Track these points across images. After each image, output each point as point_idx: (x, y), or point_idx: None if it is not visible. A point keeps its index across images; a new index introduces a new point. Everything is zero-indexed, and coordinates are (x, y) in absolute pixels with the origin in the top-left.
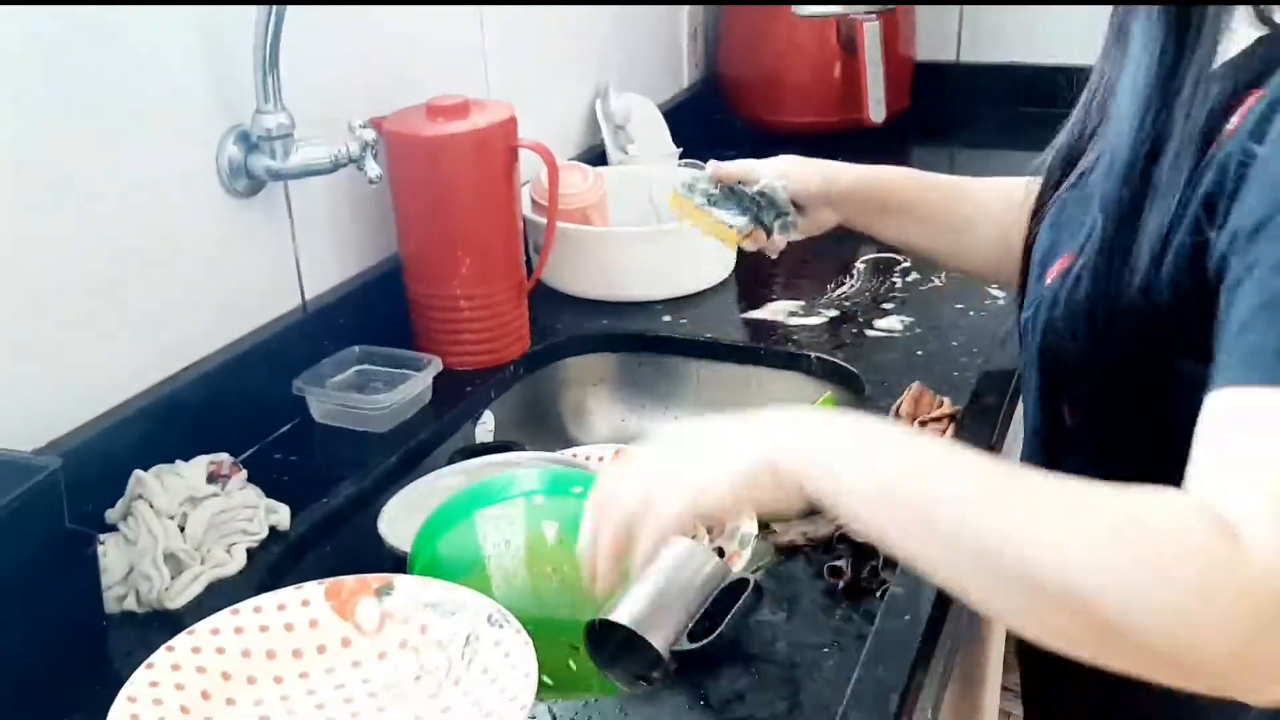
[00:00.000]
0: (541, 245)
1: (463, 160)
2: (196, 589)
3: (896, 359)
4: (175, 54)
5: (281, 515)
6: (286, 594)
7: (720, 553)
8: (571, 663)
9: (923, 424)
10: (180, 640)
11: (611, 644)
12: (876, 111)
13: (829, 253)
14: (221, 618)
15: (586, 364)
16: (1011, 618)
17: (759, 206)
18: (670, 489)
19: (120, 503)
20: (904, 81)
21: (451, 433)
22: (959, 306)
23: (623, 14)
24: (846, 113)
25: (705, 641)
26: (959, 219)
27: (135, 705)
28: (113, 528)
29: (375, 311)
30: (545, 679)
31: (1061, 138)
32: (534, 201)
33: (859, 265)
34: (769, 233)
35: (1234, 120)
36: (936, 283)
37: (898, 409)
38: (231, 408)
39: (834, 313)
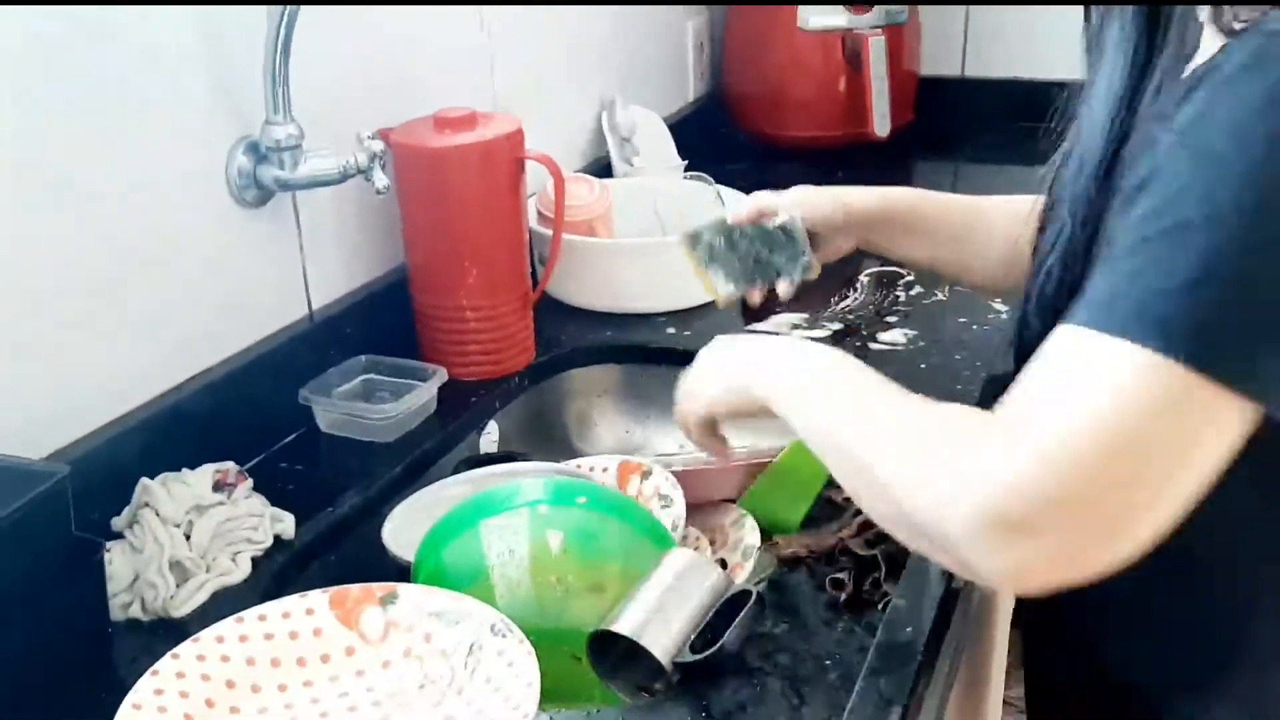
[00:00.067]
0: (547, 257)
1: (469, 172)
2: (201, 597)
3: (900, 372)
4: (184, 64)
5: (286, 524)
6: (291, 602)
7: (723, 564)
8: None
9: None
10: (185, 648)
11: (614, 654)
12: (881, 126)
13: (832, 266)
14: (226, 625)
15: (591, 375)
16: (858, 499)
17: (770, 250)
18: (691, 398)
19: (127, 511)
20: (908, 96)
21: (456, 443)
22: (962, 320)
23: (629, 27)
24: (851, 127)
25: (707, 653)
26: (970, 236)
27: (140, 713)
28: (119, 535)
29: (381, 321)
30: (548, 688)
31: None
32: (540, 213)
33: (863, 279)
34: (779, 275)
35: None
36: (940, 296)
37: None
38: (238, 416)
39: (838, 326)
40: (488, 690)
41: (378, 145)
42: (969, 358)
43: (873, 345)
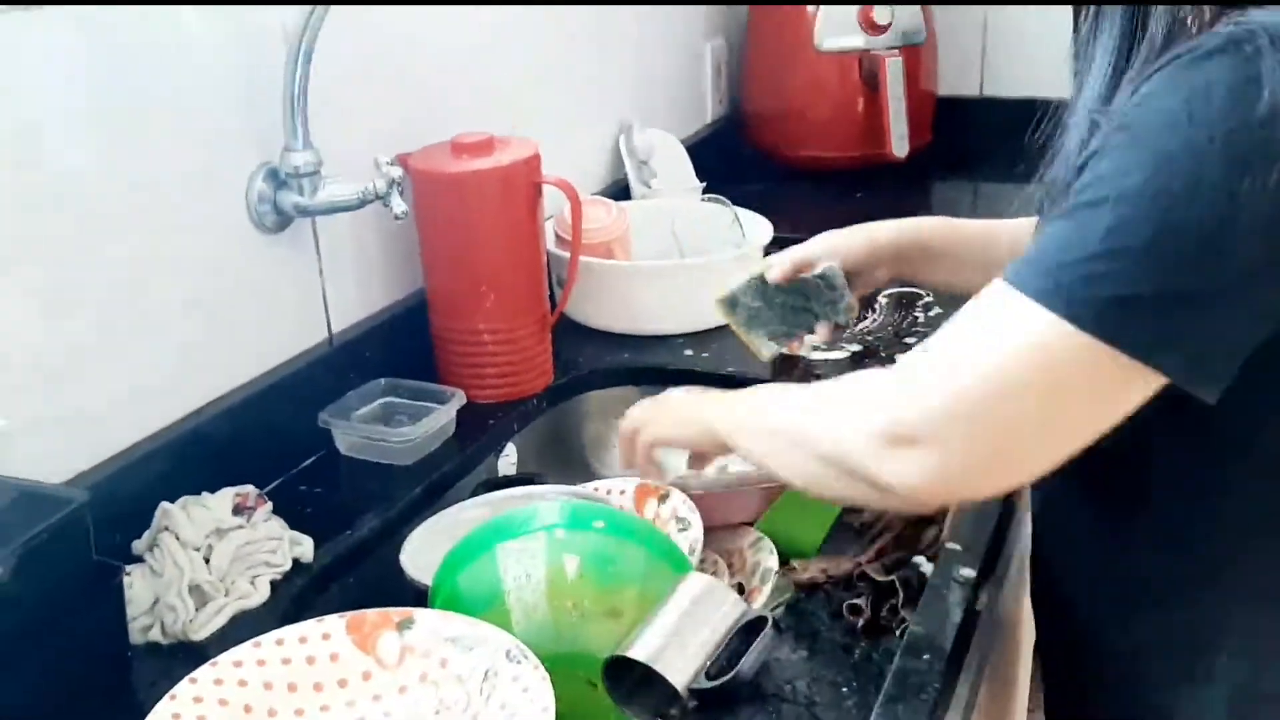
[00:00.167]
0: (565, 279)
1: (487, 196)
2: (220, 620)
3: None
4: (205, 92)
5: (305, 547)
6: (308, 627)
7: (740, 588)
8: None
9: None
10: (203, 672)
11: (629, 680)
12: (899, 146)
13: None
14: (244, 650)
15: (609, 397)
16: (796, 477)
17: (806, 298)
18: (649, 427)
19: (147, 534)
20: (926, 116)
21: (475, 465)
22: None
23: (647, 50)
24: (869, 148)
25: (723, 680)
26: (989, 257)
27: None
28: (139, 559)
29: (400, 345)
30: (563, 714)
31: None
32: (558, 235)
33: (881, 300)
34: (817, 319)
35: None
36: None
37: None
38: (258, 440)
39: (857, 347)
40: (503, 716)
41: (396, 171)
42: None
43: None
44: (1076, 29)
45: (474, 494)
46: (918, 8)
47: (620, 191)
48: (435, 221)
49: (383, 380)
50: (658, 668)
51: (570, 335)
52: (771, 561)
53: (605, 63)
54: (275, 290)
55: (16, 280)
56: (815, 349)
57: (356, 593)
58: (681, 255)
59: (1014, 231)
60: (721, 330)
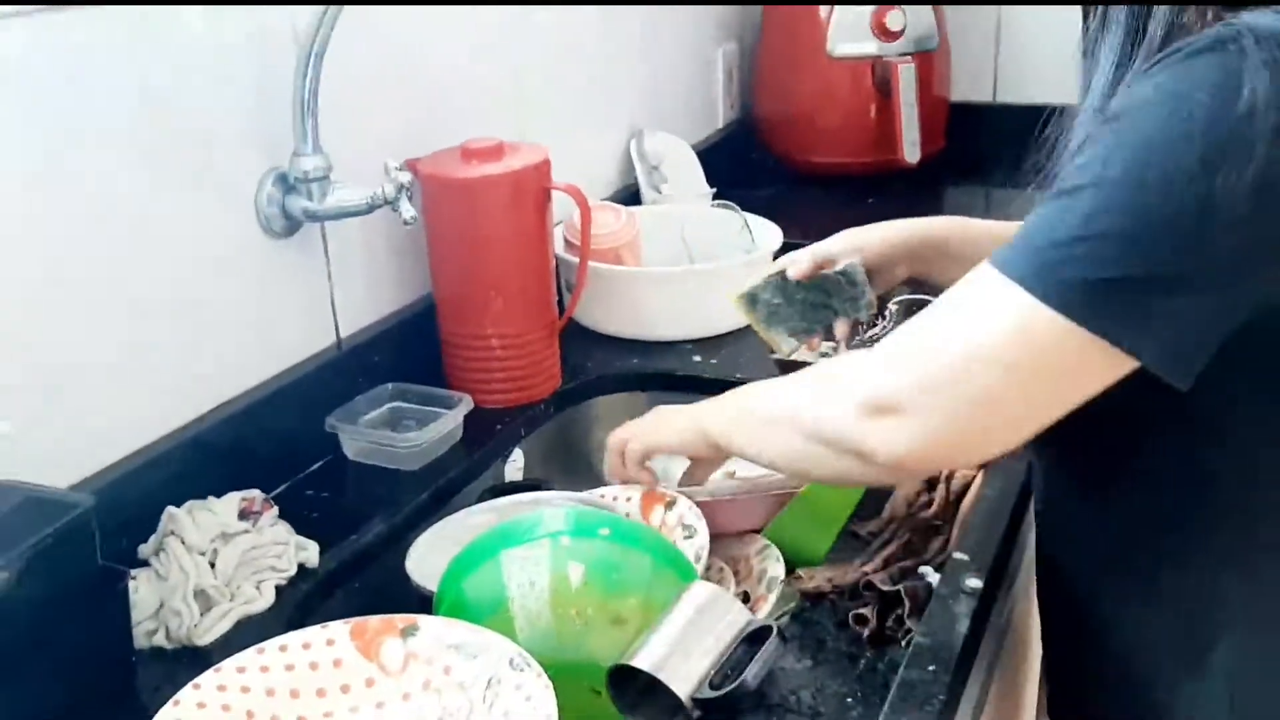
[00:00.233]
0: (574, 284)
1: (496, 202)
2: (225, 625)
3: None
4: (215, 97)
5: (310, 552)
6: (312, 633)
7: (746, 596)
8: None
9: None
10: (206, 678)
11: (633, 689)
12: (911, 153)
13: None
14: (247, 656)
15: (617, 403)
16: (788, 461)
17: (826, 295)
18: (641, 436)
19: (153, 538)
20: (939, 122)
21: (482, 470)
22: None
23: (658, 55)
24: (881, 154)
25: (728, 689)
26: None
27: None
28: (145, 563)
29: (409, 350)
30: None
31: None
32: (567, 240)
33: (892, 307)
34: (836, 315)
35: None
36: None
37: None
38: (265, 444)
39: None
40: None
41: (405, 176)
42: None
43: None
44: (1085, 30)
45: (480, 500)
46: (931, 14)
47: (631, 196)
48: (444, 227)
49: (390, 385)
50: (662, 677)
51: (578, 340)
52: (778, 569)
53: (616, 67)
54: (283, 295)
55: (22, 283)
56: (823, 355)
57: (361, 598)
58: (691, 261)
59: None
60: (730, 336)
